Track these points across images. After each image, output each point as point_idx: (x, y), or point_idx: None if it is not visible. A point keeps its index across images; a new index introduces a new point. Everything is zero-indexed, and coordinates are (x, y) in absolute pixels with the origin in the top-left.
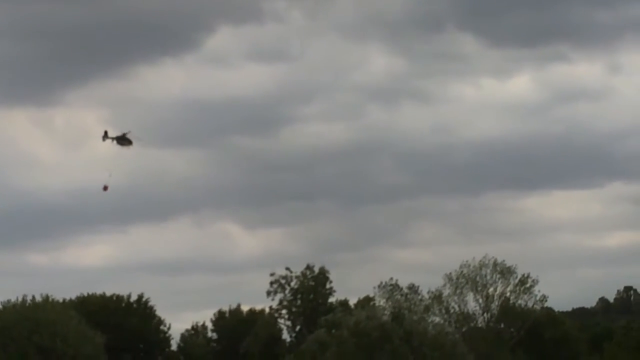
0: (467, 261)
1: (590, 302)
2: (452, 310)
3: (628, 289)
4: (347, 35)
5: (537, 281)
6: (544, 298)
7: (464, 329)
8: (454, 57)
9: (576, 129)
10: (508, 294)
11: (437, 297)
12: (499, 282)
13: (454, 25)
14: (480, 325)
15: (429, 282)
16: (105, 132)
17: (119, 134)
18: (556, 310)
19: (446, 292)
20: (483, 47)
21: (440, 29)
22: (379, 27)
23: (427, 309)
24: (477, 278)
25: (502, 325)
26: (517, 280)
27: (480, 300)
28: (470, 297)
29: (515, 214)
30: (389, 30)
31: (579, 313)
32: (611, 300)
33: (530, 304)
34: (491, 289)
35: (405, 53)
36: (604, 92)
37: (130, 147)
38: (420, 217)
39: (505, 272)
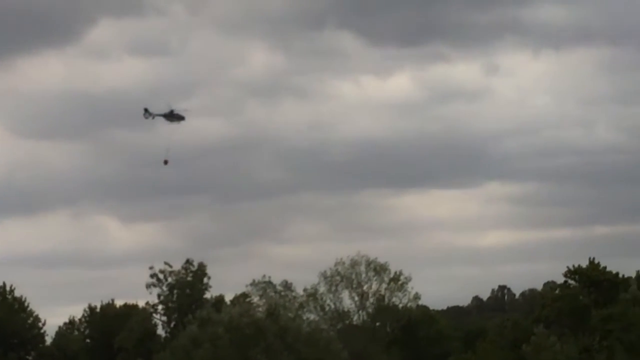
0: (341, 259)
1: (464, 300)
2: (327, 308)
3: (502, 287)
4: (228, 30)
5: (410, 278)
6: (417, 296)
7: (339, 326)
8: (334, 55)
9: (454, 129)
10: (383, 291)
11: (312, 294)
12: (374, 279)
13: (334, 23)
14: (355, 322)
15: (306, 279)
16: (146, 110)
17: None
18: (431, 308)
19: (321, 289)
20: (363, 45)
21: (320, 26)
22: (259, 23)
23: (302, 306)
24: (353, 276)
25: (377, 323)
26: (390, 278)
27: (356, 298)
28: (345, 294)
29: (393, 212)
30: (269, 26)
31: (454, 311)
32: (485, 299)
33: (404, 302)
34: (366, 287)
35: (285, 49)
36: (481, 93)
37: (182, 122)
38: (299, 214)
39: (379, 269)
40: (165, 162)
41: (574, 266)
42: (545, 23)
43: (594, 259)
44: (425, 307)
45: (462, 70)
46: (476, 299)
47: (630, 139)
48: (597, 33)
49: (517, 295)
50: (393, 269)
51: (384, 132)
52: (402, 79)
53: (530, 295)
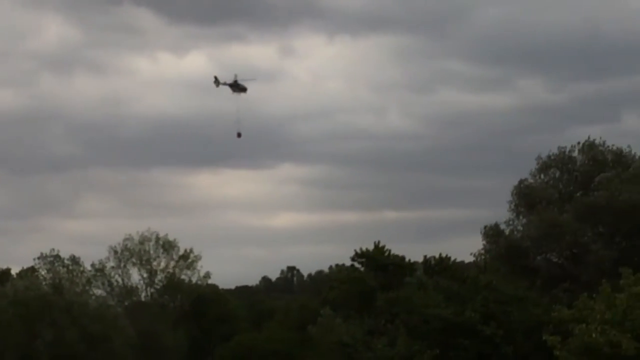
0: (130, 234)
1: (253, 280)
2: (115, 284)
3: (291, 268)
4: (23, 1)
5: (200, 257)
6: (207, 274)
7: (126, 303)
8: (131, 30)
9: (248, 110)
10: (172, 269)
11: (100, 269)
12: (163, 256)
13: None
14: (143, 299)
15: (95, 254)
16: (216, 78)
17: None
18: (220, 287)
19: (110, 265)
20: (161, 22)
21: (118, 2)
22: None
23: (90, 281)
24: (141, 252)
25: (166, 300)
26: (179, 255)
27: (144, 274)
28: (134, 271)
29: (184, 190)
30: None
31: (242, 291)
32: (274, 279)
33: (194, 280)
34: (155, 263)
35: (81, 23)
36: (276, 75)
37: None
38: (89, 189)
39: (167, 246)
40: (239, 135)
41: (361, 249)
42: (342, 8)
43: (379, 242)
44: (214, 286)
45: (258, 52)
46: (265, 279)
47: (421, 126)
48: (393, 20)
49: (306, 276)
50: (183, 247)
51: (179, 110)
52: (199, 57)
53: (318, 277)
